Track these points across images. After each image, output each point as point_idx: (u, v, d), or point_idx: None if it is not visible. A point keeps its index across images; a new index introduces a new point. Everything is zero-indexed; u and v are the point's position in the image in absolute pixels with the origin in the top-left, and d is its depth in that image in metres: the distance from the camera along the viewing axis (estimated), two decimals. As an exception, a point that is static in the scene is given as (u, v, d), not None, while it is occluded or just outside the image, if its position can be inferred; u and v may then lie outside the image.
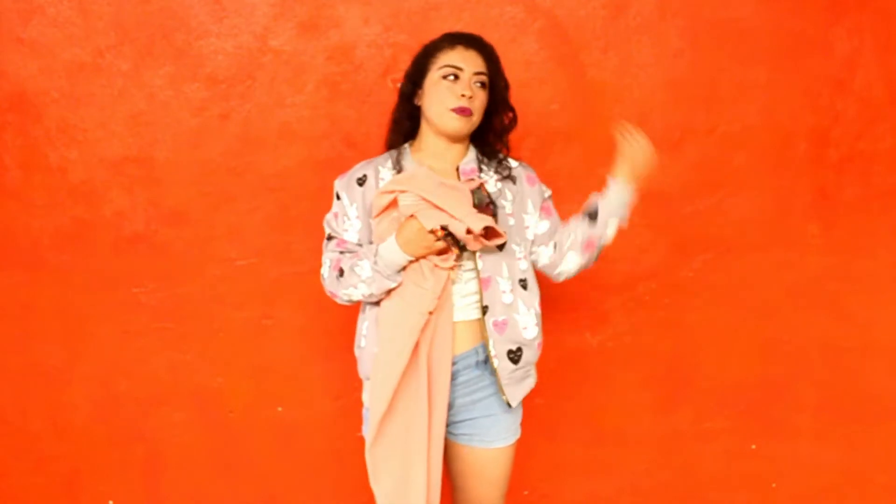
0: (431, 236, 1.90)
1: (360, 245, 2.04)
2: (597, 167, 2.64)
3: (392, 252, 1.92)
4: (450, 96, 1.96)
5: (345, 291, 2.01)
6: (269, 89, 2.56)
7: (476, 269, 2.00)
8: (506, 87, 2.05)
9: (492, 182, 2.04)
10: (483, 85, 1.99)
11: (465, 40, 2.01)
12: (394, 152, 2.06)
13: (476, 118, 1.99)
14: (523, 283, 2.04)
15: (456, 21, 2.52)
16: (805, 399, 2.81)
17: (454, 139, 2.02)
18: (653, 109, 2.64)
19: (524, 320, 2.01)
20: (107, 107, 2.54)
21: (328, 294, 2.07)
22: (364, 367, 2.09)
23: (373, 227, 2.00)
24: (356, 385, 2.19)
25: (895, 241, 2.76)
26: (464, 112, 1.96)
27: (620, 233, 2.68)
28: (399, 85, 2.08)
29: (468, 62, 1.97)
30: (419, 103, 2.02)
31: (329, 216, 2.09)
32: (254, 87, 2.56)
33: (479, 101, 1.99)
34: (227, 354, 2.67)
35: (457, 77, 1.96)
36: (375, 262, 1.94)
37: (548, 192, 2.14)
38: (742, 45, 2.63)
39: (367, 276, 1.95)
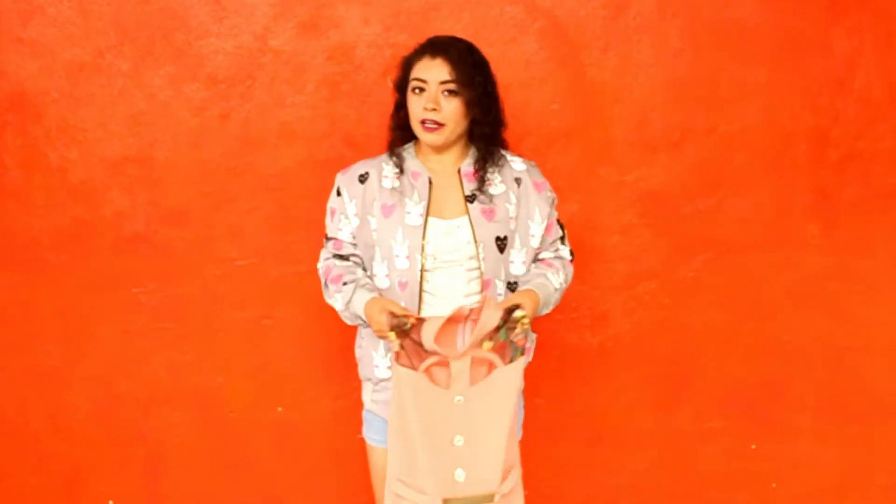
0: (384, 320, 1.90)
1: (355, 244, 2.05)
2: (597, 167, 2.66)
3: (359, 309, 1.98)
4: (418, 110, 1.97)
5: (329, 300, 2.08)
6: (269, 89, 2.56)
7: (479, 269, 2.00)
8: (480, 90, 1.98)
9: (497, 184, 2.04)
10: (453, 92, 1.96)
11: (431, 49, 1.98)
12: (395, 152, 2.06)
13: (451, 127, 1.98)
14: (512, 287, 2.05)
15: (456, 21, 2.52)
16: (805, 399, 2.81)
17: (436, 149, 2.03)
18: (653, 109, 2.64)
19: None
20: (107, 107, 2.54)
21: None
22: (364, 369, 2.09)
23: (373, 225, 2.01)
24: (356, 385, 2.19)
25: (895, 241, 2.76)
26: (431, 125, 1.96)
27: (620, 233, 2.70)
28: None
29: (432, 73, 1.95)
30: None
31: (327, 217, 2.09)
32: (254, 87, 2.55)
33: (451, 110, 1.96)
34: (227, 354, 2.67)
35: (423, 90, 1.96)
36: (346, 307, 2.01)
37: (553, 196, 2.12)
38: (742, 45, 2.63)
39: (340, 308, 2.04)
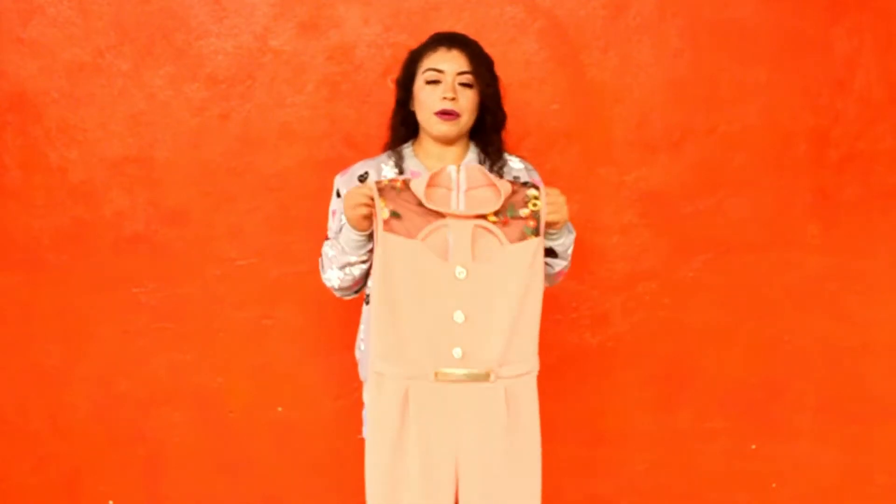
0: (360, 195, 1.83)
1: None
2: (597, 167, 2.66)
3: (346, 227, 1.91)
4: (434, 100, 1.95)
5: (325, 277, 2.02)
6: (269, 89, 2.56)
7: None
8: (492, 84, 2.01)
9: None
10: (469, 84, 1.96)
11: (447, 41, 1.99)
12: (395, 152, 2.06)
13: (465, 118, 1.98)
14: None
15: (456, 21, 2.52)
16: (805, 399, 2.81)
17: (447, 142, 2.02)
18: (653, 109, 2.64)
19: None
20: (107, 107, 2.55)
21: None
22: (364, 369, 2.09)
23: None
24: (356, 385, 2.19)
25: (895, 241, 2.76)
26: (448, 115, 1.95)
27: (620, 233, 2.70)
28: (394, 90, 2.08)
29: (450, 63, 1.96)
30: (413, 108, 2.02)
31: (329, 219, 2.09)
32: (254, 87, 2.56)
33: (466, 101, 1.96)
34: (227, 354, 2.67)
35: (438, 81, 1.95)
36: (341, 245, 1.93)
37: None
38: (742, 45, 2.63)
39: (332, 254, 1.95)
